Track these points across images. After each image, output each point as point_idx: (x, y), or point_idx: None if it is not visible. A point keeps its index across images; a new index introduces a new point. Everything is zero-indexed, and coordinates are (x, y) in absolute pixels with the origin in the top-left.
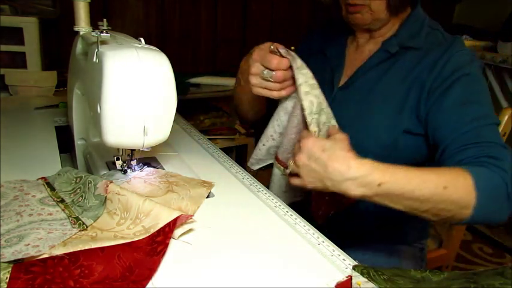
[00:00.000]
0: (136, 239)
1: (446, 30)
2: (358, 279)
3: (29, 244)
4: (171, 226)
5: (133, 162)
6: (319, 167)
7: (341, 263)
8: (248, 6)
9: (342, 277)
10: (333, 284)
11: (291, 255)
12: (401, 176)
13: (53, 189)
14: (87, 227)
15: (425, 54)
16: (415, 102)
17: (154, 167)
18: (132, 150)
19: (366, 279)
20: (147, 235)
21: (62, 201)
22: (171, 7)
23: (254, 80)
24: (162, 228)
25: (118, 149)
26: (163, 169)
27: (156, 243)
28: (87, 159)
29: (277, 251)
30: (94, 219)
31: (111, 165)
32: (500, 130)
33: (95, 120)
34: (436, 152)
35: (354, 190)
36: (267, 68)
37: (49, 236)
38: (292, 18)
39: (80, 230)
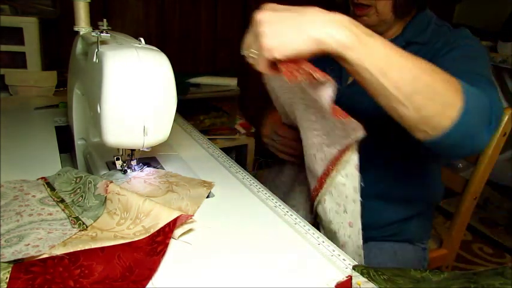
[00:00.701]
0: (137, 239)
1: None
2: (358, 279)
3: (29, 244)
4: (171, 226)
5: (133, 162)
6: (293, 13)
7: (341, 263)
8: (248, 6)
9: (342, 277)
10: (333, 284)
11: (291, 255)
12: (389, 42)
13: (53, 189)
14: (87, 227)
15: (431, 47)
16: None
17: (154, 167)
18: (132, 150)
19: (366, 279)
20: (147, 235)
21: (62, 201)
22: (171, 7)
23: (265, 139)
24: (162, 228)
25: (118, 149)
26: (163, 169)
27: (156, 243)
28: (87, 159)
29: (277, 251)
30: (94, 219)
31: (111, 165)
32: (500, 130)
33: (95, 120)
34: None
35: (336, 30)
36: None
37: (49, 236)
38: None
39: (80, 230)
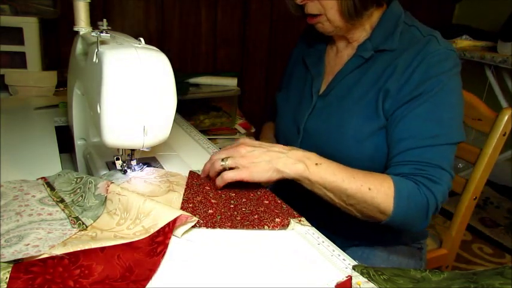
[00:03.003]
0: (136, 239)
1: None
2: (358, 279)
3: (28, 244)
4: (171, 226)
5: (133, 162)
6: (264, 149)
7: (341, 263)
8: (248, 6)
9: (342, 277)
10: (333, 284)
11: (291, 255)
12: (335, 165)
13: (52, 189)
14: (86, 227)
15: (399, 55)
16: (383, 104)
17: (154, 167)
18: (132, 150)
19: (366, 279)
20: (147, 235)
21: (62, 201)
22: (171, 7)
23: None
24: (162, 228)
25: (118, 149)
26: (163, 169)
27: (156, 244)
28: (87, 159)
29: (277, 251)
30: (94, 219)
31: (111, 165)
32: (500, 130)
33: (95, 120)
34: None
35: (293, 164)
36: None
37: (49, 236)
38: (292, 18)
39: (79, 230)
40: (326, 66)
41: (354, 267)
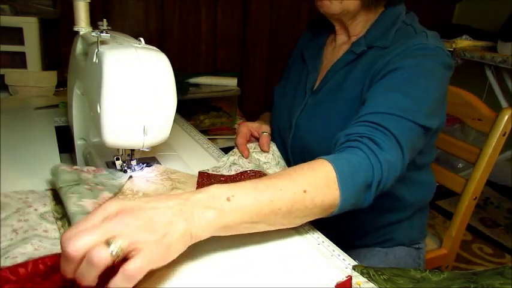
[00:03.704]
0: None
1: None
2: (358, 279)
3: (8, 256)
4: None
5: (133, 162)
6: (142, 216)
7: (341, 263)
8: (248, 6)
9: (342, 277)
10: (333, 284)
11: (291, 255)
12: (251, 186)
13: (57, 202)
14: None
15: (389, 51)
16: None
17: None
18: (132, 150)
19: (366, 279)
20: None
21: (62, 217)
22: (171, 7)
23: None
24: None
25: (118, 149)
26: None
27: None
28: (87, 159)
29: (277, 251)
30: None
31: (111, 165)
32: (500, 130)
33: (95, 120)
34: None
35: (200, 219)
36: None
37: (34, 253)
38: (292, 18)
39: None
40: (323, 61)
41: (354, 267)
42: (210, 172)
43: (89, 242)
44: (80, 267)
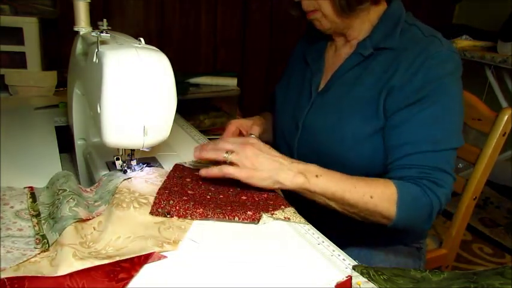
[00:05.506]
0: (97, 263)
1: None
2: (358, 279)
3: None
4: (142, 260)
5: (133, 162)
6: (267, 156)
7: (341, 263)
8: (248, 6)
9: (342, 277)
10: (333, 284)
11: (291, 255)
12: (336, 175)
13: (34, 200)
14: (49, 246)
15: (399, 54)
16: (385, 103)
17: (154, 167)
18: (132, 150)
19: (366, 279)
20: (110, 261)
21: (38, 215)
22: (171, 7)
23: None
24: (130, 258)
25: (118, 149)
26: (163, 168)
27: (120, 267)
28: (87, 159)
29: (277, 251)
30: (60, 232)
31: (111, 165)
32: (500, 130)
33: (95, 120)
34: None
35: (293, 177)
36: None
37: (6, 256)
38: (292, 18)
39: (41, 251)
40: (326, 63)
41: (354, 267)
42: (187, 166)
43: (223, 146)
44: (211, 150)
